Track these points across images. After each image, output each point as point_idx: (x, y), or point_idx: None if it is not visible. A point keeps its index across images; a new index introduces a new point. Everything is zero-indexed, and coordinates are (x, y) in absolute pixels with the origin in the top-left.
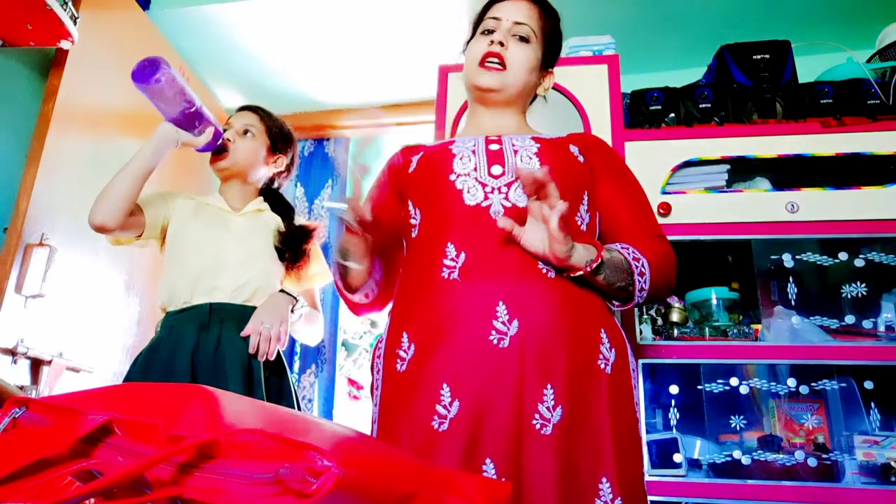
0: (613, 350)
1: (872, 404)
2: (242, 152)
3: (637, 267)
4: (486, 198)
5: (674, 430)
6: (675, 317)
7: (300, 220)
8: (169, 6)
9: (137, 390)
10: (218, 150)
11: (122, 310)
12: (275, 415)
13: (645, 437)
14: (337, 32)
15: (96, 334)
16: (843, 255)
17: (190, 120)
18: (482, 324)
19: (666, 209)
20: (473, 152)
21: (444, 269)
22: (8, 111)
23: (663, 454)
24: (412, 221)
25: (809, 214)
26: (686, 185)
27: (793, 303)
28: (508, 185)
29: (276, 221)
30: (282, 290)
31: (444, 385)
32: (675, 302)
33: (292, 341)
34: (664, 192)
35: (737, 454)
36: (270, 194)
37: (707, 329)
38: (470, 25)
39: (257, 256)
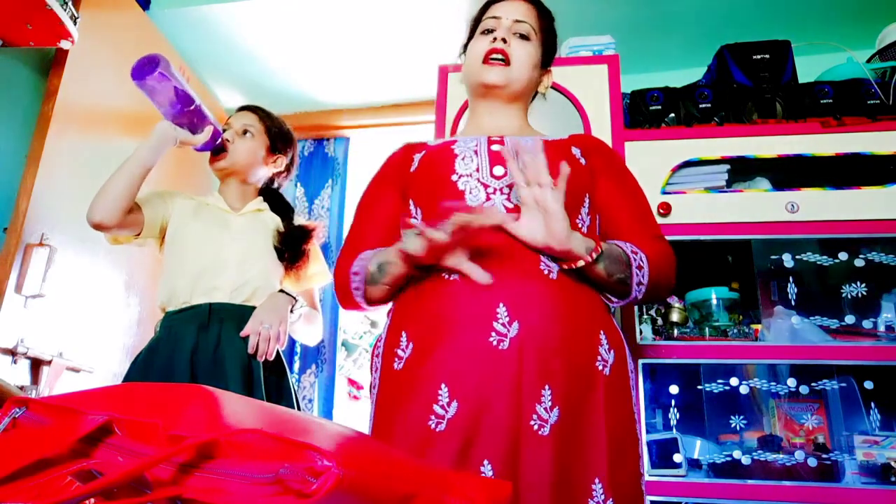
0: (612, 352)
1: (872, 404)
2: (241, 152)
3: (635, 260)
4: (487, 198)
5: (674, 430)
6: (675, 317)
7: (300, 220)
8: (169, 6)
9: (137, 390)
10: (217, 149)
11: (122, 310)
12: (275, 415)
13: (645, 437)
14: (337, 32)
15: (96, 334)
16: (843, 255)
17: (189, 118)
18: (482, 325)
19: (666, 209)
20: (476, 153)
21: (446, 269)
22: (8, 111)
23: (663, 454)
24: (413, 221)
25: (809, 214)
26: (686, 185)
27: (793, 303)
28: (510, 186)
29: (275, 221)
30: (281, 290)
31: (443, 385)
32: (675, 302)
33: (292, 341)
34: (664, 192)
35: (737, 454)
36: (270, 194)
37: (707, 329)
38: (467, 27)
39: (257, 256)
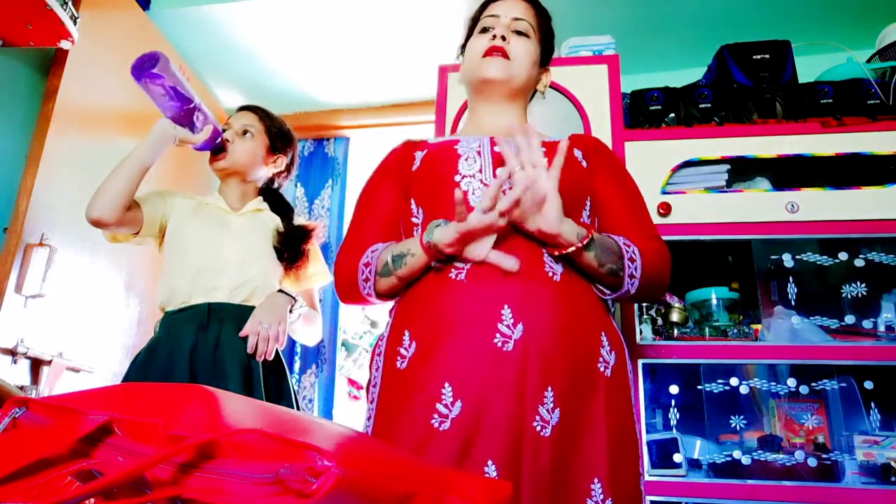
0: (613, 353)
1: (872, 404)
2: (241, 152)
3: (627, 252)
4: None
5: (674, 430)
6: (675, 317)
7: (299, 220)
8: (169, 6)
9: (137, 390)
10: (217, 149)
11: (122, 310)
12: (275, 415)
13: (645, 437)
14: (337, 32)
15: (96, 334)
16: (843, 255)
17: (188, 117)
18: (487, 326)
19: (666, 209)
20: (479, 153)
21: (453, 269)
22: (8, 111)
23: (663, 454)
24: (414, 220)
25: (809, 214)
26: (686, 185)
27: (793, 303)
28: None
29: (275, 221)
30: (280, 290)
31: (447, 384)
32: (675, 302)
33: (292, 341)
34: (664, 192)
35: (737, 454)
36: (270, 194)
37: (707, 329)
38: (465, 26)
39: (256, 256)
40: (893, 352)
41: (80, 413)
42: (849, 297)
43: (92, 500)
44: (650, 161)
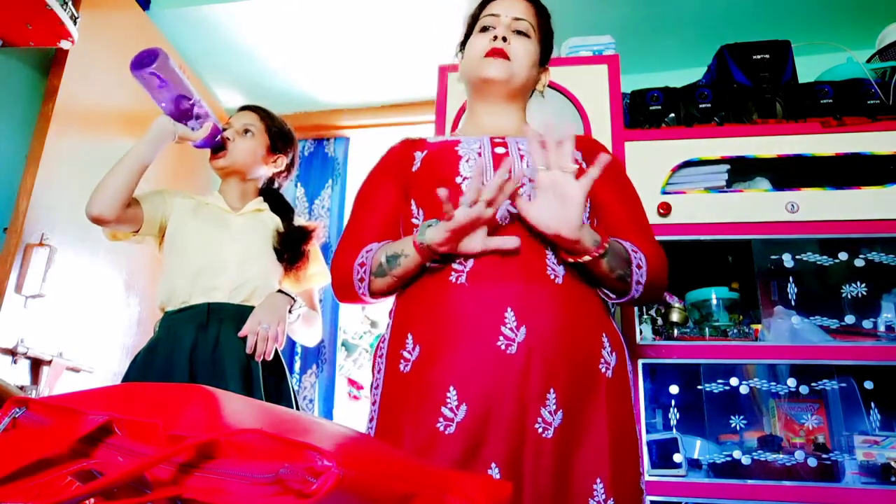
0: (614, 354)
1: (872, 404)
2: (241, 151)
3: (635, 258)
4: None
5: (674, 430)
6: (675, 317)
7: (300, 220)
8: (169, 6)
9: (137, 390)
10: (217, 147)
11: (122, 310)
12: (275, 415)
13: (645, 438)
14: (337, 32)
15: (96, 334)
16: (843, 255)
17: (188, 113)
18: (490, 329)
19: (666, 209)
20: (479, 154)
21: (453, 272)
22: (8, 111)
23: (663, 454)
24: (415, 221)
25: (809, 214)
26: (686, 185)
27: (793, 303)
28: (515, 190)
29: (275, 221)
30: (280, 291)
31: (451, 388)
32: (675, 302)
33: (292, 341)
34: (664, 192)
35: (737, 454)
36: (270, 194)
37: (707, 329)
38: (464, 25)
39: (256, 256)
40: (893, 352)
41: (80, 413)
42: (849, 297)
43: (92, 500)
44: (650, 161)
